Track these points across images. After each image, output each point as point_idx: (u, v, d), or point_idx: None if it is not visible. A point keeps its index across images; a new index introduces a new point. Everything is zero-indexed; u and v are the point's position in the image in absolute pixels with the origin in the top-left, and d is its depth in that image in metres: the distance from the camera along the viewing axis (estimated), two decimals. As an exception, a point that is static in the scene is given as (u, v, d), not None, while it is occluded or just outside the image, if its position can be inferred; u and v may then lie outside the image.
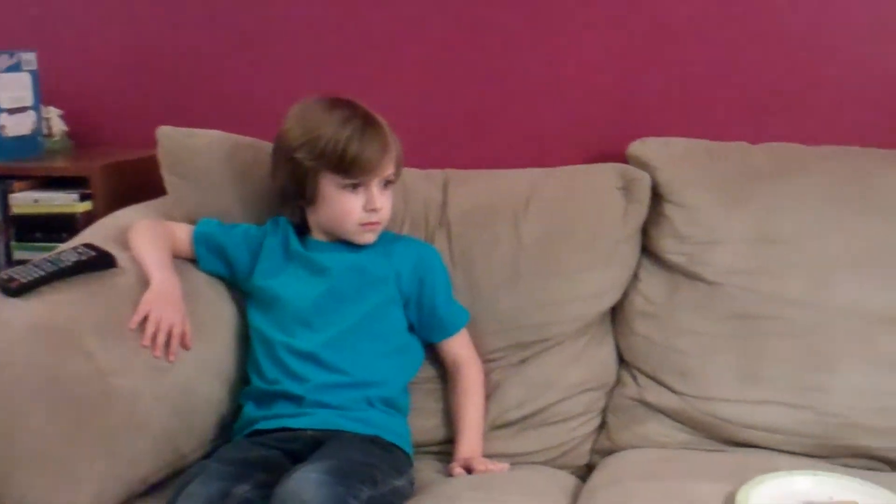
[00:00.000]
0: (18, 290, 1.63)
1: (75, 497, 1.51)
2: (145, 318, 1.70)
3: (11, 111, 2.38)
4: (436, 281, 1.93)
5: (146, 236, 1.86)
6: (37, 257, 1.75)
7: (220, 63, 2.44)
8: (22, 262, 1.75)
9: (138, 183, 2.22)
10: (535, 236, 1.98)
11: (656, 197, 2.01)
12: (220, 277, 1.94)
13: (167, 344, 1.71)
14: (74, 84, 2.55)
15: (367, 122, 1.83)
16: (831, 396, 1.83)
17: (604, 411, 1.99)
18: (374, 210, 1.84)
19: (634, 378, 1.98)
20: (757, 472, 1.68)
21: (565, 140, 2.24)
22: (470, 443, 1.86)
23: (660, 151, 2.03)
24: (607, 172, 2.04)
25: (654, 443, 1.91)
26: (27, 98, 2.40)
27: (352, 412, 1.76)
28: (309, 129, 1.83)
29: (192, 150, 2.00)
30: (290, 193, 1.88)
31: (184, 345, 1.74)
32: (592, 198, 2.02)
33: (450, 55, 2.30)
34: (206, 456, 1.69)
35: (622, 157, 2.07)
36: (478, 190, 2.07)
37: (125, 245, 1.85)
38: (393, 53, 2.33)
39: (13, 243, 2.31)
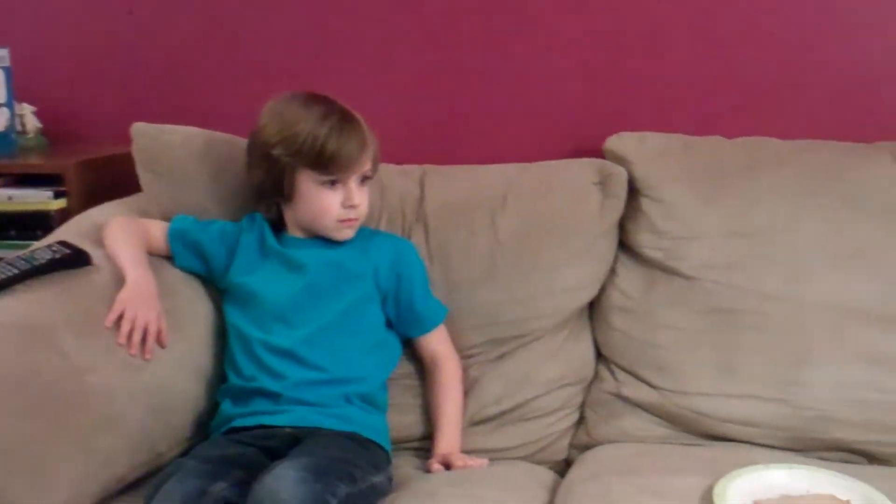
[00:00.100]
0: (-8, 289, 1.62)
1: (50, 497, 1.49)
2: (120, 316, 1.69)
3: (-16, 108, 2.36)
4: (413, 276, 1.92)
5: (121, 234, 1.84)
6: (11, 255, 1.74)
7: (195, 59, 2.43)
8: (-4, 260, 1.74)
9: (113, 180, 2.21)
10: (513, 231, 1.98)
11: (633, 192, 2.01)
12: (196, 274, 1.93)
13: (143, 342, 1.70)
14: (48, 81, 2.52)
15: (345, 119, 1.83)
16: (808, 390, 1.84)
17: (582, 406, 2.00)
18: (352, 206, 1.84)
19: (612, 373, 1.99)
20: (734, 466, 1.69)
21: (542, 135, 2.24)
22: (448, 439, 1.86)
23: (636, 146, 2.03)
24: (584, 167, 2.04)
25: (631, 437, 1.92)
26: (0, 95, 2.38)
27: (330, 409, 1.76)
28: (286, 125, 1.82)
29: (167, 146, 1.99)
30: (266, 190, 1.87)
31: (160, 342, 1.73)
32: (569, 193, 2.02)
33: (426, 51, 2.29)
34: (183, 454, 1.67)
35: (599, 153, 2.07)
36: (455, 185, 2.07)
37: (100, 243, 1.84)
38: (369, 50, 2.32)
39: (-13, 241, 2.29)
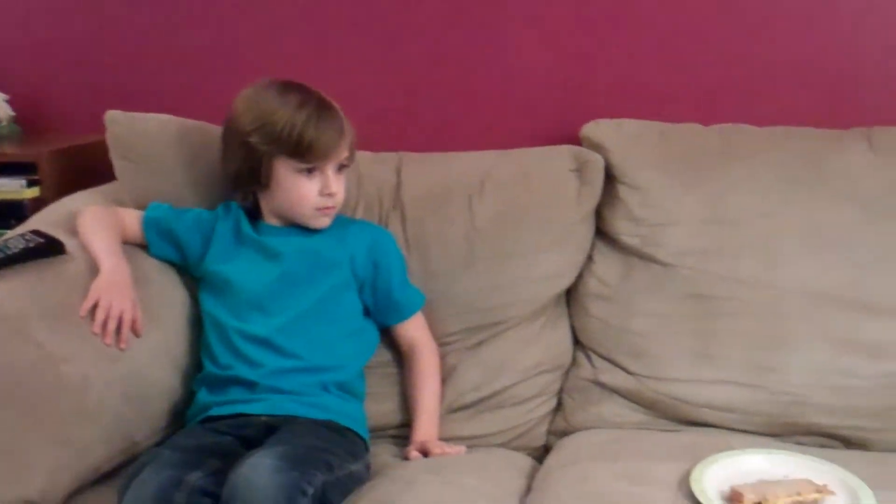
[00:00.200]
0: (-35, 278, 1.61)
1: (26, 487, 1.49)
2: (95, 305, 1.68)
3: (-44, 97, 2.34)
4: (390, 264, 1.92)
5: (94, 222, 1.83)
6: (-16, 244, 1.72)
7: (170, 46, 2.41)
8: (-31, 250, 1.72)
9: (87, 168, 2.19)
10: (490, 219, 1.98)
11: (610, 179, 2.01)
12: (172, 263, 1.92)
13: (118, 331, 1.69)
14: (21, 68, 2.50)
15: (322, 107, 1.82)
16: (784, 375, 1.85)
17: (559, 393, 2.00)
18: (329, 195, 1.83)
19: (589, 359, 1.99)
20: (711, 451, 1.70)
21: (519, 122, 2.24)
22: (426, 426, 1.86)
23: (613, 133, 2.03)
24: (561, 154, 2.04)
25: (609, 423, 1.92)
26: (-28, 84, 2.37)
27: (306, 397, 1.75)
28: (263, 113, 1.81)
29: (141, 134, 1.98)
30: (242, 178, 1.86)
31: (135, 331, 1.72)
32: (546, 180, 2.02)
33: (402, 38, 2.28)
34: (159, 443, 1.66)
35: (576, 139, 2.07)
36: (432, 173, 2.06)
37: (74, 231, 1.83)
38: (344, 36, 2.31)
39: (-40, 231, 2.27)
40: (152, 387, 1.75)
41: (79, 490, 1.60)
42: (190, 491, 1.48)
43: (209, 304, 1.85)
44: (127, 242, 1.86)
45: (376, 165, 2.07)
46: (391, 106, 2.29)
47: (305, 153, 1.79)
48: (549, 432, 1.98)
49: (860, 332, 1.86)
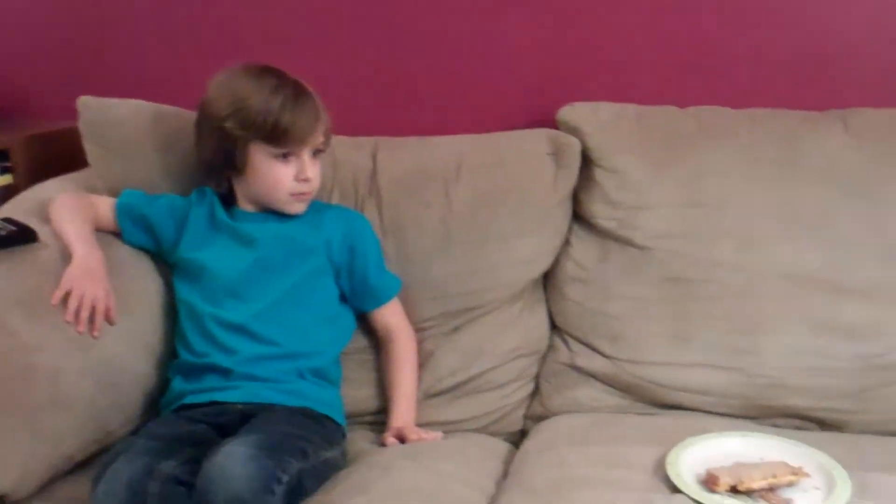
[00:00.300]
0: (-65, 267, 1.59)
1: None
2: (68, 294, 1.67)
3: (-74, 82, 2.32)
4: (366, 249, 1.91)
5: (67, 210, 1.82)
6: (-45, 232, 1.71)
7: (142, 32, 2.38)
8: (-60, 238, 1.71)
9: (60, 155, 2.17)
10: (466, 203, 1.97)
11: (586, 162, 2.01)
12: (145, 250, 1.91)
13: (91, 319, 1.68)
14: (-7, 54, 2.48)
15: (298, 91, 1.82)
16: (761, 358, 1.85)
17: (536, 377, 2.00)
18: (305, 180, 1.83)
19: (566, 343, 1.99)
20: (688, 435, 1.71)
21: (495, 106, 2.22)
22: (403, 412, 1.86)
23: (589, 116, 2.02)
24: (537, 138, 2.03)
25: (586, 407, 1.92)
26: (-57, 69, 2.34)
27: (282, 384, 1.75)
28: (237, 98, 1.80)
29: (115, 120, 1.96)
30: (217, 163, 1.85)
31: (108, 319, 1.71)
32: (523, 164, 2.01)
33: (377, 22, 2.26)
34: (134, 432, 1.65)
35: (552, 123, 2.06)
36: (408, 157, 2.05)
37: (47, 219, 1.82)
38: (318, 20, 2.29)
39: (-68, 218, 2.25)
40: (126, 375, 1.74)
41: (52, 480, 1.60)
42: (164, 480, 1.47)
43: (184, 291, 1.84)
44: (100, 230, 1.85)
45: (352, 150, 2.06)
46: (367, 91, 2.27)
47: (281, 138, 1.79)
48: (526, 417, 1.98)
49: (836, 313, 1.86)
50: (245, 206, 1.88)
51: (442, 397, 1.95)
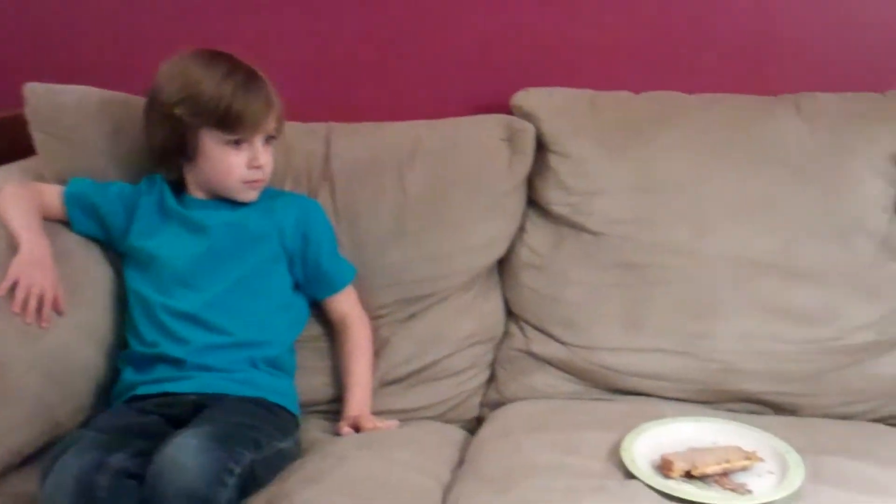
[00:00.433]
0: None
1: (-54, 473, 1.46)
2: (15, 284, 1.64)
3: None
4: (320, 236, 1.90)
5: (13, 199, 1.78)
6: None
7: (89, 16, 2.34)
8: None
9: (7, 143, 2.12)
10: (421, 189, 1.97)
11: (541, 147, 2.00)
12: (95, 239, 1.88)
13: (39, 310, 1.65)
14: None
15: (250, 77, 1.80)
16: (714, 342, 1.86)
17: (492, 364, 2.00)
18: (257, 167, 1.81)
19: (522, 330, 1.99)
20: (642, 420, 1.71)
21: (449, 91, 2.20)
22: (358, 401, 1.85)
23: (543, 102, 2.02)
24: (492, 124, 2.03)
25: (541, 394, 1.92)
26: None
27: (235, 374, 1.73)
28: (188, 84, 1.77)
29: (62, 107, 1.93)
30: (167, 150, 1.83)
31: (56, 310, 1.68)
32: (477, 149, 2.00)
33: (330, 7, 2.23)
34: (84, 424, 1.63)
35: (507, 108, 2.06)
36: (361, 143, 2.03)
37: (-8, 210, 1.78)
38: (271, 5, 2.26)
39: None
40: (75, 366, 1.72)
41: (1, 475, 1.58)
42: (113, 473, 1.45)
43: (134, 279, 1.82)
44: (48, 219, 1.81)
45: (305, 136, 2.04)
46: (320, 76, 2.25)
47: (233, 125, 1.77)
48: (482, 404, 1.97)
49: (789, 298, 1.88)
50: (196, 193, 1.85)
51: (397, 385, 1.94)
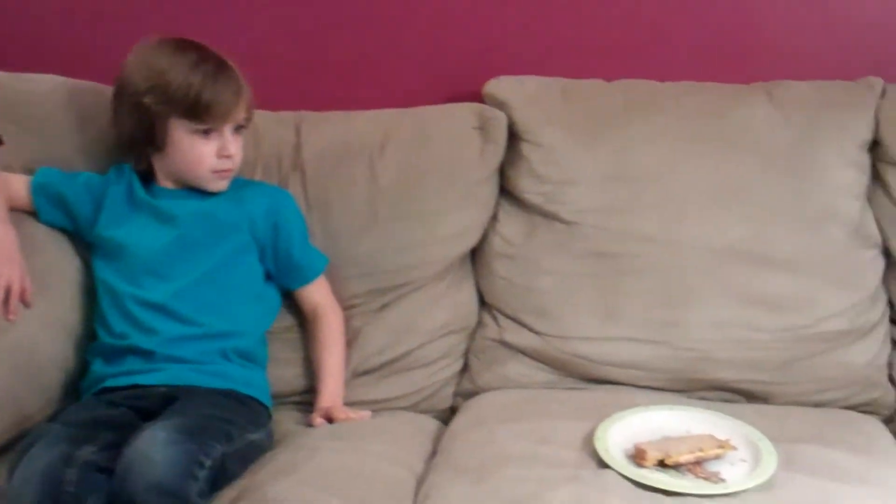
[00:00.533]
0: None
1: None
2: (-18, 276, 1.62)
3: None
4: (291, 226, 1.88)
5: (-22, 190, 1.76)
6: None
7: (55, 4, 2.30)
8: None
9: (-28, 132, 2.11)
10: (393, 178, 1.95)
11: (513, 136, 1.99)
12: (63, 229, 1.86)
13: (6, 302, 1.63)
14: None
15: (219, 66, 1.78)
16: (687, 331, 1.86)
17: (466, 354, 1.99)
18: (227, 156, 1.79)
19: (495, 319, 1.98)
20: (616, 409, 1.71)
21: (421, 80, 2.19)
22: (331, 392, 1.84)
23: (515, 90, 2.01)
24: (463, 112, 2.02)
25: (515, 383, 1.92)
26: None
27: (205, 366, 1.72)
28: (156, 72, 1.76)
29: (28, 95, 1.91)
30: (135, 140, 1.81)
31: (24, 302, 1.67)
32: (449, 138, 1.99)
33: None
34: (52, 417, 1.61)
35: (479, 97, 2.05)
36: (332, 132, 2.02)
37: (-43, 201, 1.76)
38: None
39: None
40: (43, 358, 1.70)
41: (-31, 467, 1.56)
42: (81, 467, 1.44)
43: (103, 270, 1.80)
44: (15, 209, 1.79)
45: (275, 125, 2.02)
46: (290, 64, 2.22)
47: (202, 114, 1.75)
48: (456, 394, 1.97)
49: (762, 286, 1.88)
50: (165, 183, 1.83)
51: (370, 376, 1.93)
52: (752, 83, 2.03)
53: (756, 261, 1.88)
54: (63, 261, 1.83)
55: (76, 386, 1.75)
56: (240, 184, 1.87)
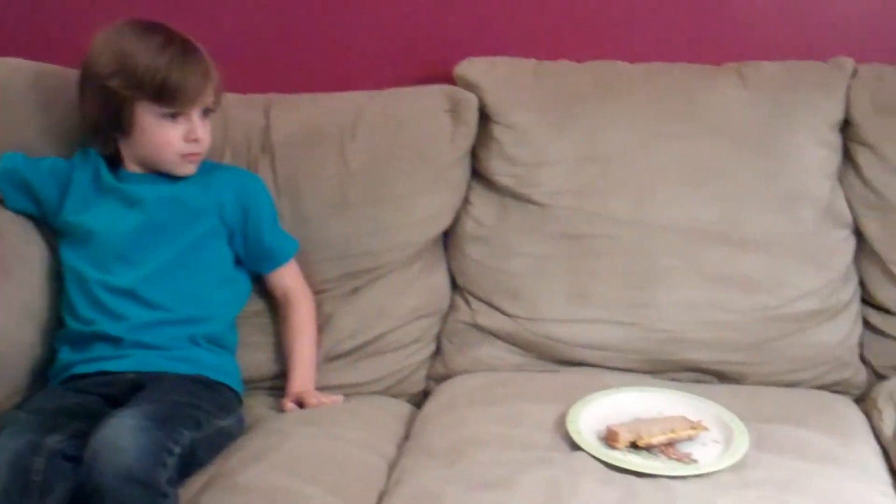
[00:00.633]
0: None
1: None
2: (-56, 263, 1.60)
3: None
4: (261, 210, 1.87)
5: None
6: None
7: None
8: None
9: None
10: (363, 161, 1.94)
11: (484, 118, 1.98)
12: (28, 215, 1.84)
13: (-33, 288, 1.62)
14: None
15: (186, 48, 1.76)
16: (658, 312, 1.86)
17: (438, 337, 1.98)
18: (195, 140, 1.78)
19: (468, 302, 1.97)
20: (588, 391, 1.71)
21: (391, 62, 2.16)
22: (302, 377, 1.83)
23: (486, 72, 2.00)
24: (434, 94, 2.00)
25: (487, 366, 1.91)
26: None
27: (174, 352, 1.71)
28: (123, 56, 1.74)
29: (-8, 80, 1.89)
30: (102, 124, 1.79)
31: (-13, 288, 1.65)
32: (420, 121, 1.98)
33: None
34: (19, 405, 1.60)
35: (450, 79, 2.03)
36: (302, 115, 2.00)
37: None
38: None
39: None
40: (10, 346, 1.68)
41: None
42: (49, 455, 1.43)
43: (69, 256, 1.78)
44: (-22, 195, 1.78)
45: (244, 108, 2.00)
46: (259, 47, 2.20)
47: (169, 98, 1.73)
48: (429, 377, 1.96)
49: (733, 266, 1.88)
50: (132, 167, 1.81)
51: (342, 360, 1.92)
52: (723, 64, 2.02)
53: (727, 241, 1.88)
54: (28, 246, 1.81)
55: (43, 374, 1.74)
56: (208, 168, 1.85)
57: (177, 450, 1.44)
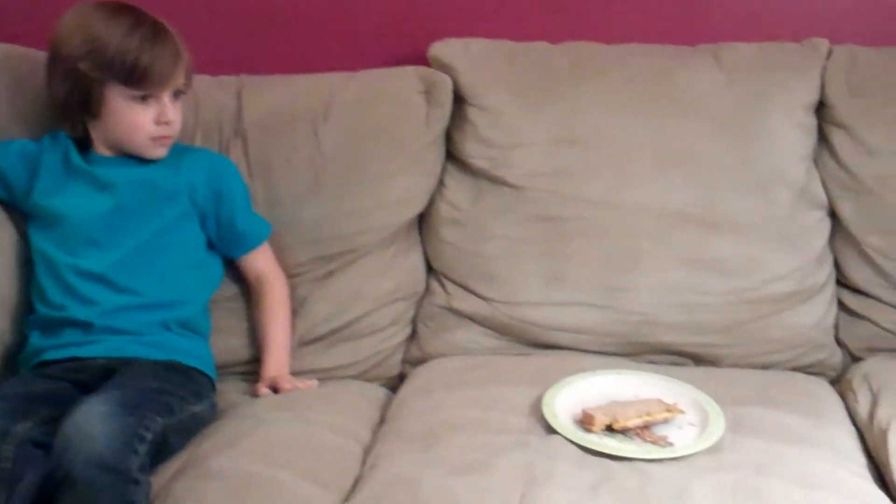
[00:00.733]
0: None
1: None
2: (-89, 249, 1.58)
3: None
4: (233, 193, 1.85)
5: None
6: None
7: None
8: None
9: None
10: (337, 143, 1.92)
11: (459, 100, 1.97)
12: (-4, 199, 1.82)
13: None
14: None
15: (156, 30, 1.74)
16: (634, 295, 1.86)
17: (413, 321, 1.98)
18: (166, 123, 1.76)
19: (443, 286, 1.96)
20: (564, 374, 1.71)
21: (364, 43, 2.15)
22: (276, 361, 1.82)
23: (460, 53, 1.98)
24: (408, 76, 1.99)
25: (463, 350, 1.91)
26: None
27: (146, 337, 1.70)
28: (92, 37, 1.71)
29: (-42, 62, 1.86)
30: (71, 107, 1.77)
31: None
32: (394, 102, 1.96)
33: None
34: (-11, 392, 1.58)
35: (424, 60, 2.02)
36: (274, 97, 1.98)
37: None
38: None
39: None
40: (-23, 332, 1.66)
41: None
42: (18, 442, 1.41)
43: (39, 240, 1.76)
44: (-55, 180, 1.75)
45: (215, 90, 1.98)
46: (229, 27, 2.17)
47: (139, 80, 1.71)
48: (404, 361, 1.95)
49: (709, 249, 1.88)
50: (102, 150, 1.79)
51: (317, 344, 1.91)
52: (698, 45, 2.02)
53: (702, 224, 1.87)
54: (-3, 231, 1.79)
55: (13, 360, 1.72)
56: (179, 150, 1.82)
57: (148, 436, 1.43)
